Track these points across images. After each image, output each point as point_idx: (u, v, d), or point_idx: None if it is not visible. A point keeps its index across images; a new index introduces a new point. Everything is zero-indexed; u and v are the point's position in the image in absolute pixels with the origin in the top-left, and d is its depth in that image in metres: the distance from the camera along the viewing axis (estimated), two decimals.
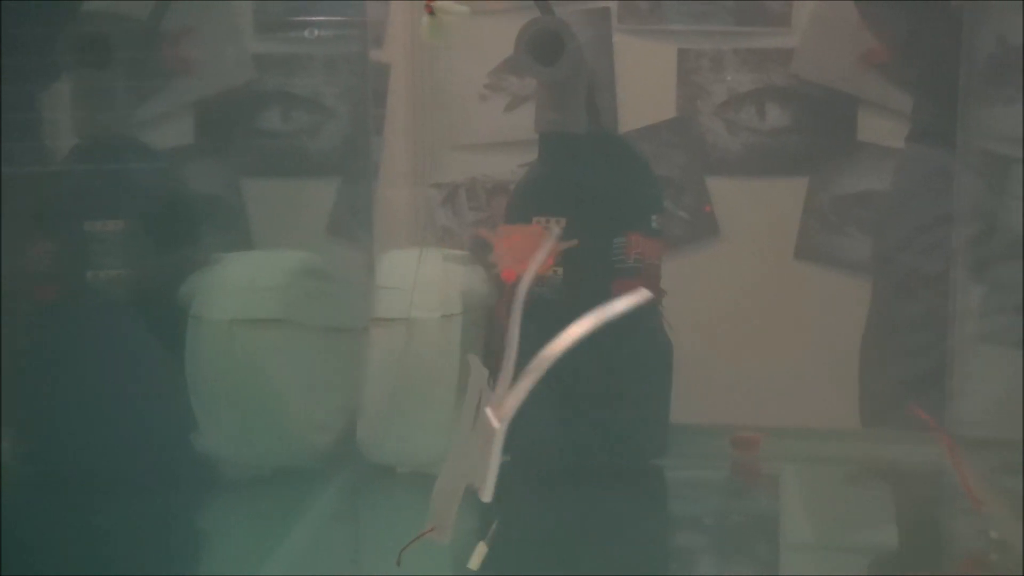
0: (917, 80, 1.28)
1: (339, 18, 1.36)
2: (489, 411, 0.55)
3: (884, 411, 1.22)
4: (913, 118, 1.28)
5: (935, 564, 0.88)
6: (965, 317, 1.17)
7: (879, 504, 1.04)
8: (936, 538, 0.95)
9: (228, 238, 1.21)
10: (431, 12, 0.66)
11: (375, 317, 0.92)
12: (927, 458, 1.05)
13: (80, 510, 0.94)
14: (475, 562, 0.64)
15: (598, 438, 0.95)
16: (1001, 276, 1.16)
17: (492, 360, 0.97)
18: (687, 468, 1.04)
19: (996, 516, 0.91)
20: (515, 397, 0.56)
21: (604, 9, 1.39)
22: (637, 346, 0.95)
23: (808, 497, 1.05)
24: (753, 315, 1.32)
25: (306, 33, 1.31)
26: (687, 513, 1.00)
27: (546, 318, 0.94)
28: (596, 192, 0.95)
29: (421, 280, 0.93)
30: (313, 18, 1.35)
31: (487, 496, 0.60)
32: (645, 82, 1.39)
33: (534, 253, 0.64)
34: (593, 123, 0.99)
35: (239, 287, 0.94)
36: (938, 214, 1.22)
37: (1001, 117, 1.17)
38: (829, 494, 1.07)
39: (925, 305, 1.21)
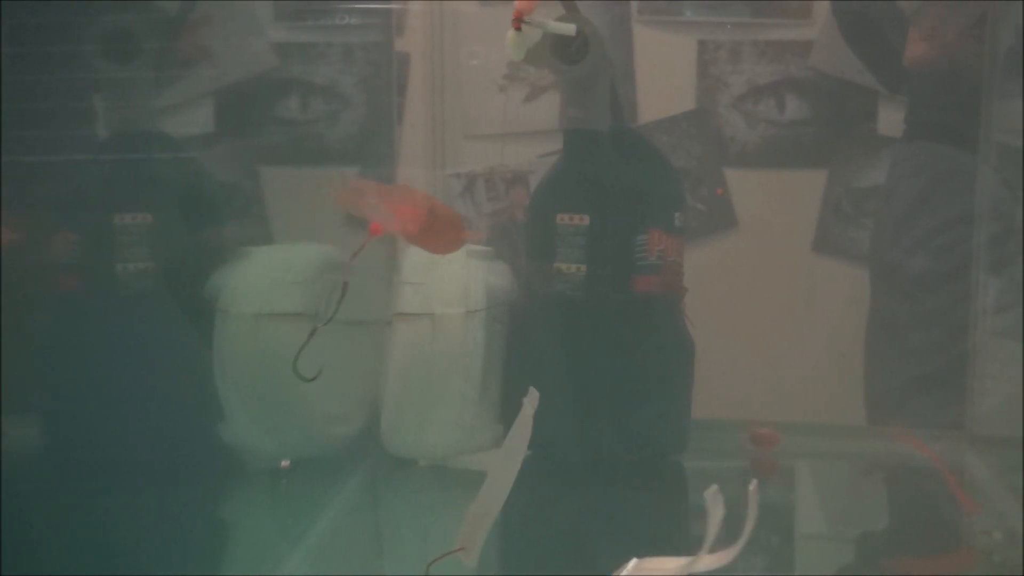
0: (940, 74, 1.27)
1: (360, 6, 1.36)
2: None
3: (893, 409, 1.22)
4: (934, 113, 1.28)
5: (947, 560, 0.88)
6: (985, 315, 1.17)
7: (892, 499, 1.05)
8: (948, 534, 0.95)
9: (249, 227, 1.22)
10: (518, 28, 0.66)
11: (399, 312, 0.93)
12: (941, 455, 1.06)
13: (107, 498, 0.96)
14: None
15: (620, 433, 0.95)
16: (1020, 273, 1.16)
17: (514, 356, 0.98)
18: (706, 462, 1.05)
19: (1006, 515, 0.91)
20: None
21: (624, 1, 1.39)
22: (659, 344, 0.96)
23: (824, 491, 1.06)
24: (771, 308, 1.32)
25: (337, 20, 1.31)
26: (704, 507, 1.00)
27: (570, 314, 0.95)
28: (619, 189, 0.95)
29: (444, 276, 0.94)
30: (334, 7, 1.35)
31: None
32: (665, 74, 1.39)
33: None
34: (616, 120, 0.99)
35: (264, 282, 0.95)
36: (958, 210, 1.21)
37: (1021, 112, 1.16)
38: (844, 489, 1.07)
39: (942, 302, 1.21)
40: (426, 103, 1.42)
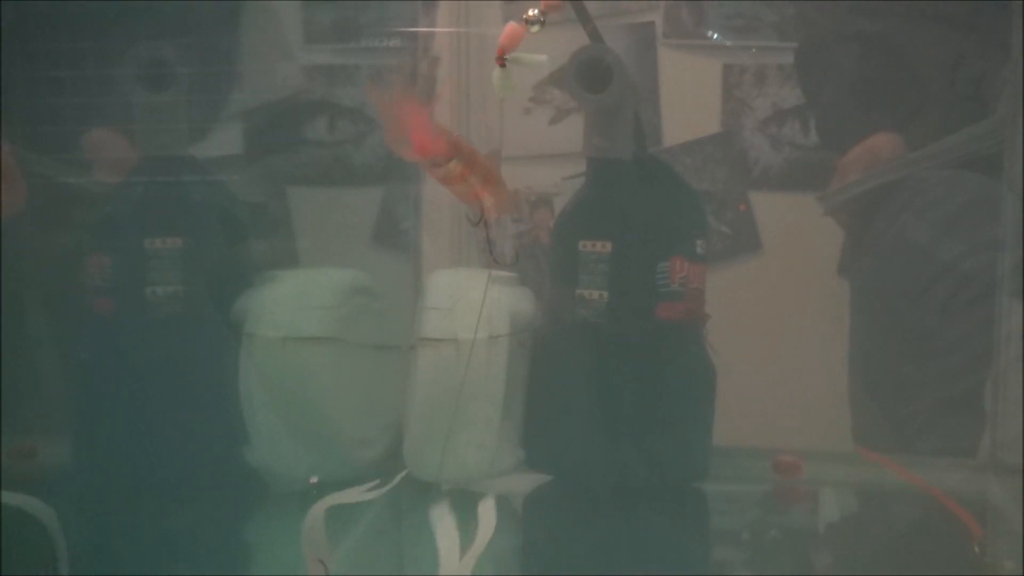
0: (964, 98, 1.27)
1: (388, 29, 1.38)
2: None
3: (912, 436, 1.21)
4: (960, 137, 1.27)
5: None
6: (1009, 342, 1.16)
7: (918, 528, 1.04)
8: (965, 563, 0.95)
9: (276, 248, 1.23)
10: (502, 65, 0.67)
11: (423, 337, 0.94)
12: (967, 484, 1.05)
13: (133, 518, 0.97)
14: None
15: (642, 459, 0.96)
16: None
17: (537, 381, 0.98)
18: (728, 490, 1.05)
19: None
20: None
21: (649, 24, 1.40)
22: (681, 370, 0.96)
23: (847, 520, 1.05)
24: (795, 332, 1.32)
25: (365, 43, 1.33)
26: (728, 534, 1.00)
27: (592, 340, 0.96)
28: (642, 217, 0.96)
29: (468, 301, 0.95)
30: (362, 30, 1.37)
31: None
32: (690, 97, 1.39)
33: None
34: (640, 148, 1.00)
35: (291, 305, 0.96)
36: (984, 237, 1.21)
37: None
38: (868, 517, 1.07)
39: (965, 329, 1.21)
40: (452, 125, 1.43)
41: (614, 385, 0.95)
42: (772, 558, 0.95)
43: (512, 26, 0.69)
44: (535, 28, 0.70)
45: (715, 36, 1.38)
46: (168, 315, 0.98)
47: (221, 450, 0.98)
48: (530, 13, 0.70)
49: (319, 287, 0.98)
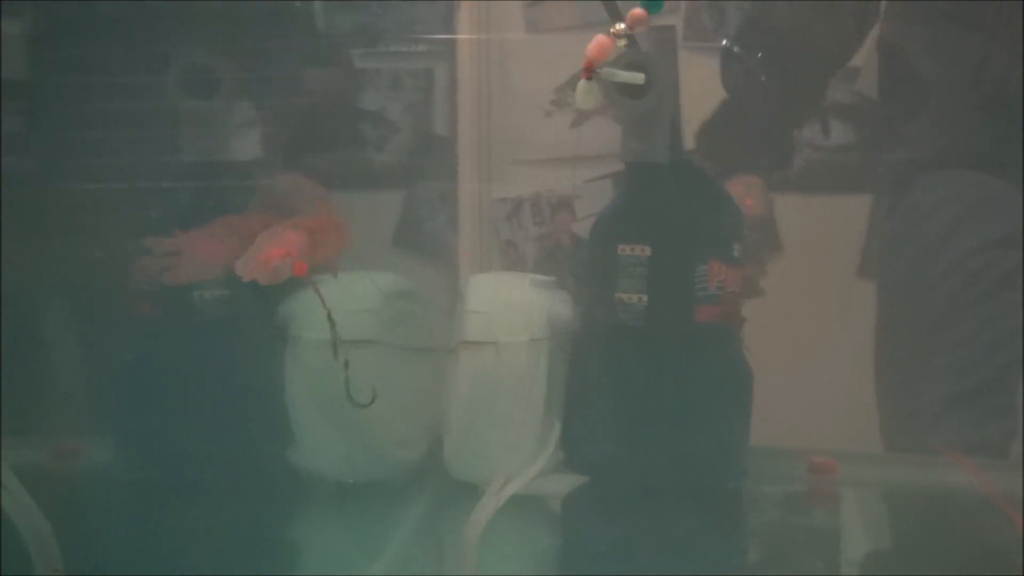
0: (984, 99, 1.28)
1: (409, 34, 1.39)
2: None
3: (925, 432, 1.22)
4: (979, 138, 1.29)
5: None
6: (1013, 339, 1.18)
7: (948, 529, 1.05)
8: (997, 563, 0.96)
9: None
10: (589, 78, 0.68)
11: (464, 340, 0.95)
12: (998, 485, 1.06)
13: (178, 518, 0.98)
14: None
15: (681, 461, 0.97)
16: None
17: (575, 384, 1.00)
18: (762, 490, 1.06)
19: None
20: None
21: (669, 27, 1.41)
22: (720, 372, 0.98)
23: (879, 519, 1.07)
24: (818, 334, 1.33)
25: (386, 47, 1.34)
26: (764, 535, 1.02)
27: (631, 343, 0.97)
28: (679, 221, 0.97)
29: (509, 305, 0.96)
30: (383, 35, 1.38)
31: None
32: (710, 99, 1.40)
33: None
34: (676, 151, 1.01)
35: (334, 308, 0.97)
36: (995, 234, 1.22)
37: None
38: (899, 517, 1.08)
39: (975, 324, 1.22)
40: (473, 128, 1.44)
41: (653, 388, 0.96)
42: (807, 558, 0.96)
43: (601, 39, 0.70)
44: (623, 43, 0.71)
45: (726, 42, 1.39)
46: (214, 318, 0.99)
47: (267, 451, 0.99)
48: (618, 27, 0.71)
49: (361, 291, 0.99)
